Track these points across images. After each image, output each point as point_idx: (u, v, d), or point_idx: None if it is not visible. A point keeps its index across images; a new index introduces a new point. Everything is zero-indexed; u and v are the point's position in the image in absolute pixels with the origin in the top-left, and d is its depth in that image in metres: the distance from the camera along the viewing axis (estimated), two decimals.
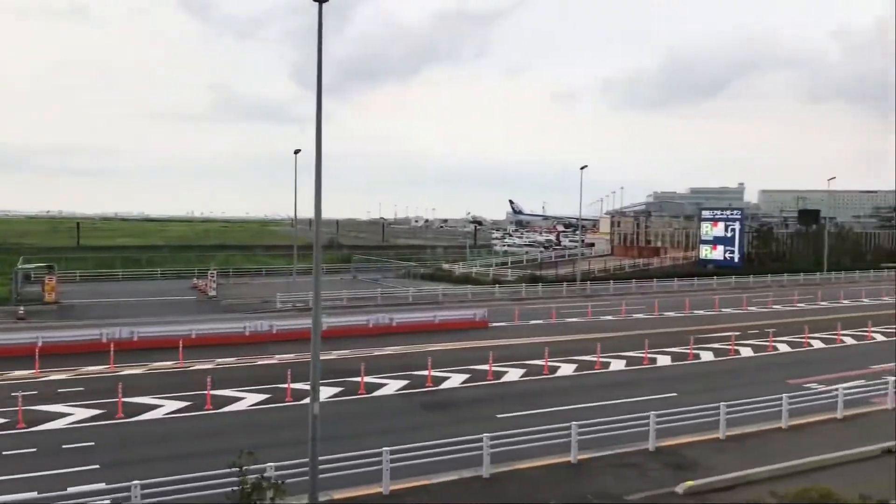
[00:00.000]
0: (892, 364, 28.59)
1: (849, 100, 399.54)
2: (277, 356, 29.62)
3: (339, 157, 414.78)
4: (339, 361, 28.77)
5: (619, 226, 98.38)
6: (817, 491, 11.99)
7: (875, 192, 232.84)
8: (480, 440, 15.30)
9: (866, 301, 52.88)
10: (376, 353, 30.58)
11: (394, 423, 20.09)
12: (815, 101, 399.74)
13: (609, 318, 42.81)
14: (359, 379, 24.18)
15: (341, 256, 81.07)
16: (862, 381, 24.07)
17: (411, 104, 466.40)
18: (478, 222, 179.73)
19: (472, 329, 37.48)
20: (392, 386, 24.39)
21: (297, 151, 48.81)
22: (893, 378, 22.69)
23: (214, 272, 54.25)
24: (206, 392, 21.88)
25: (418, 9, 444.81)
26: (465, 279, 62.07)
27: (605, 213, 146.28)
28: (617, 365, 28.48)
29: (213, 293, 50.98)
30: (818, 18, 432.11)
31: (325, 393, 22.76)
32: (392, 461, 14.36)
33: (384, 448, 14.45)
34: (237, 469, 11.23)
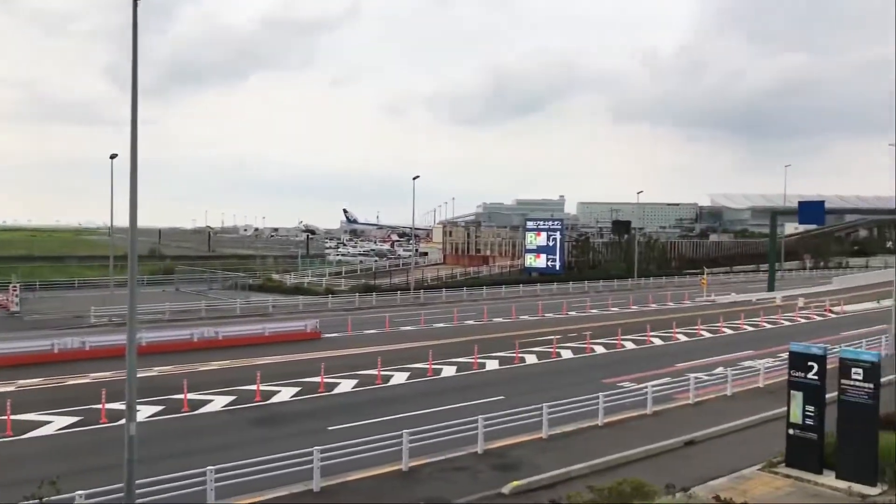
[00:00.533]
0: (694, 362, 31.37)
1: (653, 121, 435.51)
2: (91, 375, 27.47)
3: (163, 163, 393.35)
4: (161, 378, 27.18)
5: (450, 235, 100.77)
6: (629, 483, 12.84)
7: (678, 204, 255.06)
8: (311, 454, 15.02)
9: (671, 304, 57.70)
10: (201, 369, 29.21)
11: (220, 440, 19.25)
12: (624, 120, 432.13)
13: (441, 325, 43.67)
14: (182, 396, 22.95)
15: (163, 267, 76.76)
16: (668, 379, 26.14)
17: (239, 110, 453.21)
18: (311, 231, 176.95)
19: (304, 340, 36.81)
20: (218, 402, 23.37)
21: (113, 156, 45.79)
22: (693, 375, 24.89)
23: (17, 285, 49.48)
24: (4, 417, 19.83)
25: (244, 13, 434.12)
26: (297, 290, 60.91)
27: (438, 223, 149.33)
28: (448, 371, 29.07)
29: (15, 308, 46.47)
30: (625, 44, 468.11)
31: (145, 412, 21.38)
32: (217, 479, 13.73)
33: (208, 467, 13.79)
34: (37, 501, 10.24)
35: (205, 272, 71.37)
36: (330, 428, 20.18)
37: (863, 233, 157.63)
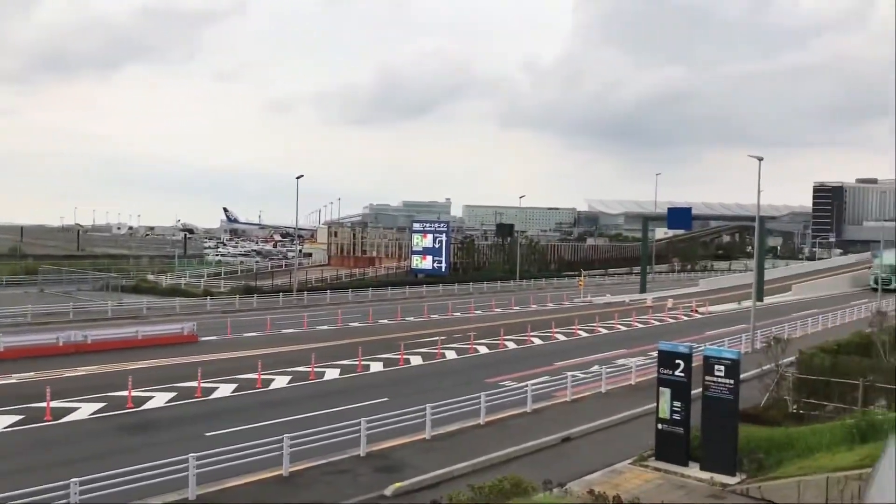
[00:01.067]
0: (571, 361, 32.48)
1: (535, 127, 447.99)
2: None
3: (26, 157, 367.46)
4: (21, 385, 25.40)
5: (336, 236, 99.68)
6: (509, 481, 13.13)
7: (558, 209, 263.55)
8: (186, 461, 14.46)
9: (551, 305, 59.52)
10: (67, 375, 27.50)
11: (88, 450, 18.19)
12: (510, 126, 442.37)
13: (325, 327, 43.12)
14: (44, 404, 21.51)
15: (25, 267, 71.77)
16: (547, 377, 26.93)
17: (113, 102, 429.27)
18: (189, 230, 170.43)
19: (180, 344, 35.38)
20: (86, 409, 22.08)
21: None
22: (570, 374, 25.78)
23: None
24: None
25: (122, 1, 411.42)
26: (174, 291, 58.46)
27: (323, 223, 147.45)
28: (332, 374, 28.74)
29: None
30: (512, 52, 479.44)
31: (1, 423, 19.92)
32: (83, 492, 12.98)
33: (72, 480, 13.01)
34: None
35: (73, 272, 67.28)
36: (208, 434, 19.49)
37: (726, 238, 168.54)
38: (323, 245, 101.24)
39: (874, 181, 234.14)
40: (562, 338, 40.65)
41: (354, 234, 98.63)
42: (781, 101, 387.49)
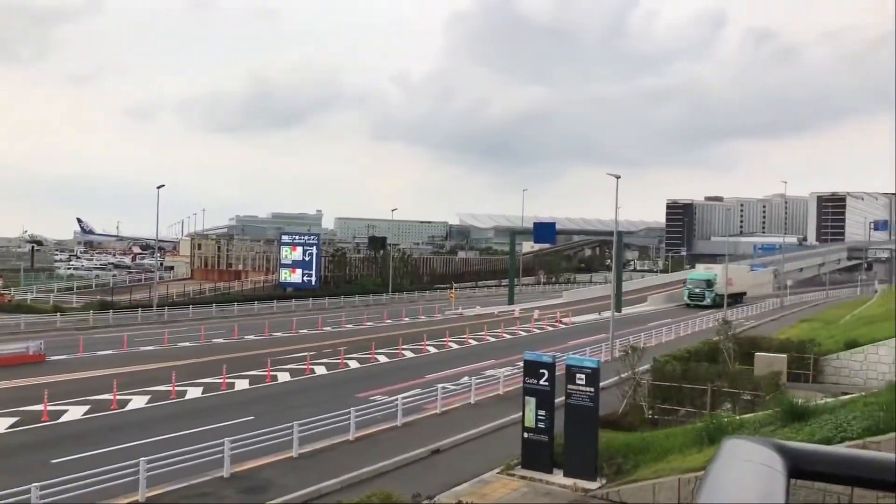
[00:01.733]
0: (442, 373, 32.78)
1: (408, 140, 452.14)
2: None
3: None
4: None
5: (200, 248, 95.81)
6: (378, 496, 13.05)
7: (430, 222, 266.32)
8: (28, 492, 13.36)
9: (423, 318, 59.90)
10: None
11: None
12: (380, 139, 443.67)
13: (187, 344, 41.28)
14: None
15: None
16: (418, 390, 27.03)
17: None
18: (37, 242, 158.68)
19: (26, 364, 32.78)
20: None
21: None
22: (441, 386, 26.00)
23: None
24: None
25: None
26: (19, 307, 54.20)
27: (187, 235, 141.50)
28: (194, 392, 27.53)
29: None
30: (382, 64, 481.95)
31: None
32: None
33: None
34: None
35: None
36: (54, 461, 18.12)
37: (588, 251, 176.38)
38: (186, 258, 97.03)
39: (720, 199, 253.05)
40: (433, 350, 40.96)
41: (220, 247, 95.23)
42: (638, 123, 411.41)
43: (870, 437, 13.42)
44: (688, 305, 74.41)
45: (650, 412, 23.12)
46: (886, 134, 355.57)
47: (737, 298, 77.39)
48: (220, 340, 43.26)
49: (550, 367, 17.65)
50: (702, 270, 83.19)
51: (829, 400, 18.38)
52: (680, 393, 22.83)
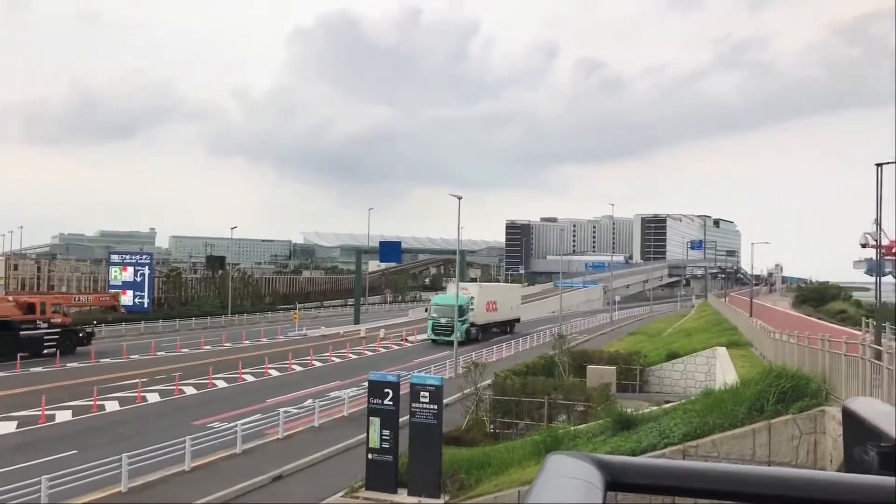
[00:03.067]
0: (285, 396, 31.93)
1: (248, 156, 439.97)
2: None
3: None
4: None
5: (16, 269, 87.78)
6: None
7: (273, 241, 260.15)
8: None
9: (265, 340, 58.16)
10: None
11: None
12: (220, 154, 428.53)
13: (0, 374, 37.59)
14: None
15: None
16: (259, 415, 26.16)
17: None
18: None
19: None
20: None
21: None
22: (283, 410, 25.34)
23: None
24: None
25: None
26: None
27: (1, 255, 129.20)
28: (6, 427, 25.06)
29: None
30: (220, 77, 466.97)
31: None
32: None
33: None
34: None
35: None
36: None
37: (433, 270, 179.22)
38: (0, 279, 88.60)
39: (555, 220, 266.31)
40: (275, 373, 39.83)
41: (40, 267, 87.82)
42: (478, 146, 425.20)
43: (689, 441, 14.51)
44: (433, 341, 54.92)
45: (492, 426, 23.74)
46: (699, 160, 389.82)
47: (505, 327, 64.21)
48: (39, 369, 39.73)
49: (395, 386, 17.69)
50: (451, 293, 57.95)
51: (653, 408, 19.70)
52: (519, 406, 23.62)
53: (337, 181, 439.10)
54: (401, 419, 17.94)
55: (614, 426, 17.13)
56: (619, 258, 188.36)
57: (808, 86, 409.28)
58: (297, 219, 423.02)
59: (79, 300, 57.84)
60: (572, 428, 19.81)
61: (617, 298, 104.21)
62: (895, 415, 1.55)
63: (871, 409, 1.59)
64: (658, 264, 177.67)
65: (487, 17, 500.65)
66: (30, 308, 45.12)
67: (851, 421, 1.61)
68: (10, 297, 48.60)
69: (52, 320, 45.49)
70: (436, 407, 17.10)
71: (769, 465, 13.65)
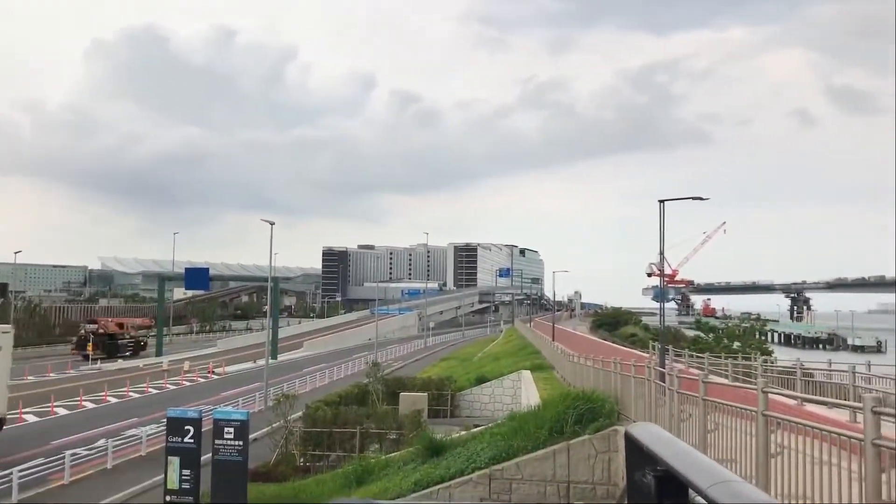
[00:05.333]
0: (73, 437, 29.10)
1: (38, 176, 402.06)
2: None
3: None
4: None
5: None
6: None
7: (66, 266, 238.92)
8: None
9: (53, 375, 52.89)
10: None
11: None
12: (3, 173, 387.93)
13: None
14: None
15: None
16: (42, 459, 23.60)
17: None
18: None
19: None
20: None
21: None
22: (70, 452, 23.07)
23: None
24: None
25: None
26: None
27: None
28: None
29: None
30: (5, 90, 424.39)
31: None
32: None
33: None
34: None
35: None
36: None
37: (245, 298, 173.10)
38: None
39: (372, 247, 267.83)
40: (63, 412, 36.26)
41: None
42: (295, 171, 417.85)
43: (495, 464, 14.90)
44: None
45: (302, 460, 23.08)
46: (506, 193, 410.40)
47: None
48: None
49: (196, 422, 16.65)
50: None
51: (463, 433, 20.11)
52: (331, 437, 23.18)
53: (141, 204, 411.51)
54: (204, 457, 16.91)
55: (424, 453, 17.24)
56: (434, 285, 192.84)
57: (602, 127, 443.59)
58: (94, 244, 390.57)
59: None
60: (384, 457, 19.71)
61: (431, 325, 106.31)
62: (670, 440, 1.59)
63: (650, 434, 1.64)
64: (469, 291, 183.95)
65: (305, 44, 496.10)
66: None
67: (632, 446, 1.65)
68: None
69: None
70: (241, 443, 16.28)
71: (568, 485, 14.35)
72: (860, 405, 5.01)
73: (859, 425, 10.55)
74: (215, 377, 53.73)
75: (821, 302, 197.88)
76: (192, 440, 16.42)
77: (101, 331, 67.31)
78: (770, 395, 7.23)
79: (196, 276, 66.59)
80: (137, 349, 71.15)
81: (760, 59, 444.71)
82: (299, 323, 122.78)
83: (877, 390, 13.74)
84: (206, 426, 17.30)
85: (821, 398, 11.32)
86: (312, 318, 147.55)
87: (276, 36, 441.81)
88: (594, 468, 14.28)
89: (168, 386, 47.65)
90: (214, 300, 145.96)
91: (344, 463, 20.97)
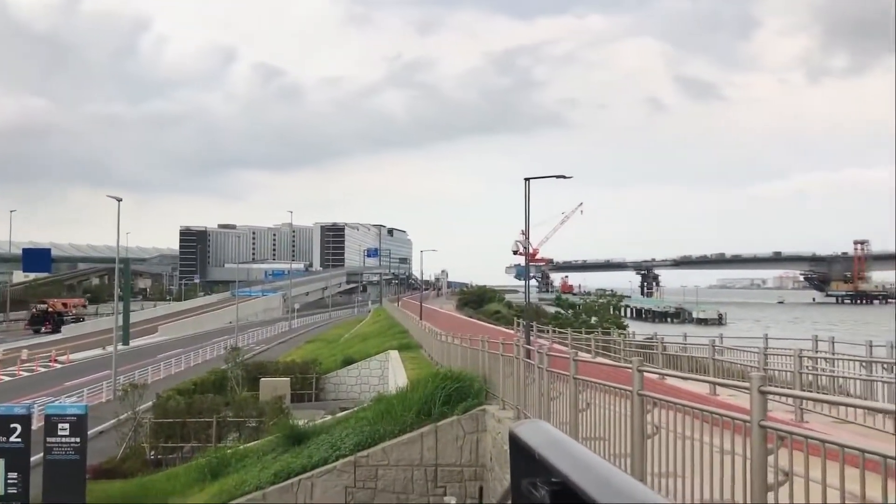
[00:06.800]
0: None
1: None
2: None
3: None
4: None
5: None
6: None
7: None
8: None
9: None
10: None
11: None
12: None
13: None
14: None
15: None
16: None
17: None
18: None
19: None
20: None
21: None
22: None
23: None
24: None
25: None
26: None
27: None
28: None
29: None
30: None
31: None
32: None
33: None
34: None
35: None
36: None
37: (95, 280, 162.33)
38: None
39: (233, 227, 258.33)
40: None
41: None
42: (150, 147, 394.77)
43: (360, 451, 14.24)
44: None
45: (153, 453, 21.46)
46: (374, 172, 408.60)
47: None
48: None
49: (25, 419, 14.86)
50: None
51: (328, 418, 19.29)
52: (185, 428, 21.67)
53: None
54: (35, 457, 15.16)
55: (285, 442, 16.31)
56: (300, 266, 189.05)
57: (467, 108, 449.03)
58: None
59: None
60: (242, 447, 18.56)
61: (296, 306, 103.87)
62: (567, 445, 1.28)
63: (541, 436, 1.35)
64: (337, 272, 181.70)
65: (160, 14, 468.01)
66: None
67: (520, 449, 1.36)
68: None
69: None
70: (78, 440, 14.68)
71: (436, 468, 13.92)
72: (746, 384, 4.72)
73: (725, 400, 10.71)
74: (58, 366, 49.70)
75: (669, 278, 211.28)
76: (19, 439, 14.63)
77: None
78: (645, 374, 6.96)
79: (36, 258, 61.03)
80: None
81: (616, 47, 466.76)
82: (154, 306, 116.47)
83: (733, 362, 14.18)
84: (39, 422, 15.55)
85: (707, 378, 11.42)
86: (169, 300, 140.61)
87: (128, 4, 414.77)
88: (462, 450, 13.94)
89: (2, 377, 43.52)
90: (61, 283, 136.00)
91: (199, 454, 19.60)
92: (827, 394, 10.75)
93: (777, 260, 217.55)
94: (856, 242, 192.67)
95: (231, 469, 16.49)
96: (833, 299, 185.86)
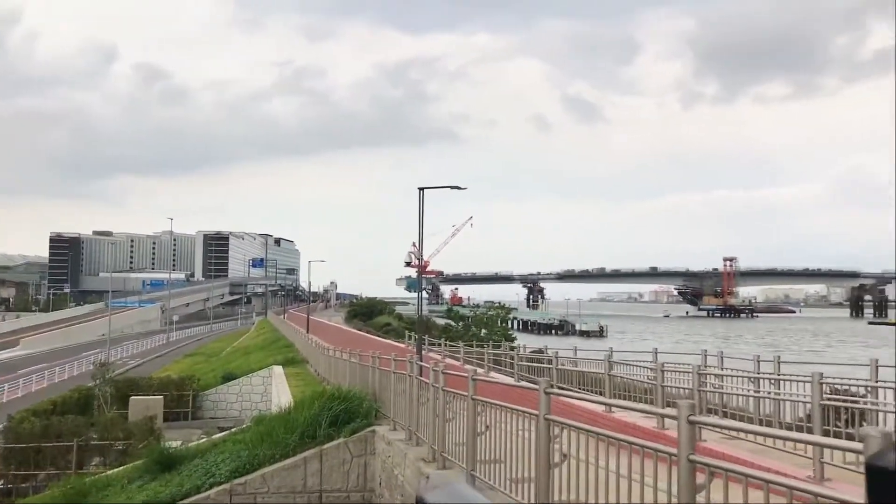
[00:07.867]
0: None
1: None
2: None
3: None
4: None
5: None
6: None
7: None
8: None
9: None
10: None
11: None
12: None
13: None
14: None
15: None
16: None
17: None
18: None
19: None
20: None
21: None
22: None
23: None
24: None
25: None
26: None
27: None
28: None
29: None
30: None
31: None
32: None
33: None
34: None
35: None
36: None
37: None
38: None
39: (110, 234, 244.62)
40: None
41: None
42: (15, 147, 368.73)
43: (237, 478, 13.07)
44: None
45: (2, 482, 19.28)
46: (261, 180, 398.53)
47: None
48: None
49: None
50: None
51: (203, 440, 17.88)
52: (40, 453, 19.60)
53: None
54: None
55: (154, 468, 14.86)
56: (180, 276, 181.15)
57: (358, 118, 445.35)
58: None
59: None
60: (106, 473, 16.88)
61: (176, 318, 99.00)
62: None
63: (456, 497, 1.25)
64: (220, 282, 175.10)
65: (31, 8, 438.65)
66: None
67: None
68: None
69: None
70: None
71: (320, 495, 12.96)
72: (673, 412, 4.20)
73: (621, 418, 10.36)
74: None
75: (553, 291, 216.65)
76: None
77: None
78: (552, 396, 6.39)
79: None
80: None
81: (504, 66, 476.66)
82: (17, 317, 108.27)
83: (629, 378, 14.01)
84: None
85: (635, 406, 11.00)
86: (35, 311, 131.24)
87: None
88: (349, 474, 13.06)
89: None
90: None
91: (55, 483, 17.69)
92: (749, 420, 10.66)
93: (653, 275, 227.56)
94: (725, 259, 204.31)
95: (91, 499, 14.88)
96: (705, 313, 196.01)
